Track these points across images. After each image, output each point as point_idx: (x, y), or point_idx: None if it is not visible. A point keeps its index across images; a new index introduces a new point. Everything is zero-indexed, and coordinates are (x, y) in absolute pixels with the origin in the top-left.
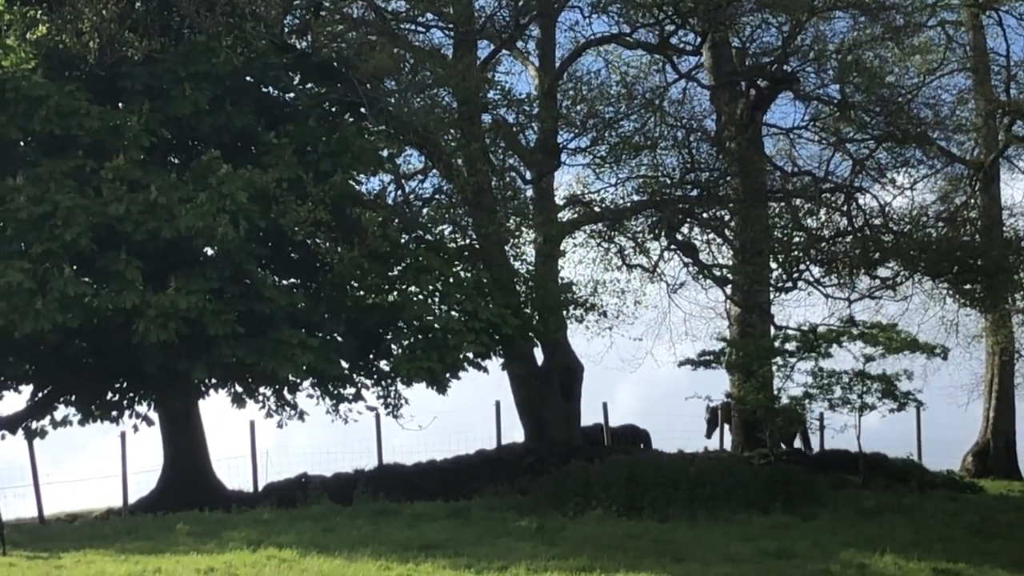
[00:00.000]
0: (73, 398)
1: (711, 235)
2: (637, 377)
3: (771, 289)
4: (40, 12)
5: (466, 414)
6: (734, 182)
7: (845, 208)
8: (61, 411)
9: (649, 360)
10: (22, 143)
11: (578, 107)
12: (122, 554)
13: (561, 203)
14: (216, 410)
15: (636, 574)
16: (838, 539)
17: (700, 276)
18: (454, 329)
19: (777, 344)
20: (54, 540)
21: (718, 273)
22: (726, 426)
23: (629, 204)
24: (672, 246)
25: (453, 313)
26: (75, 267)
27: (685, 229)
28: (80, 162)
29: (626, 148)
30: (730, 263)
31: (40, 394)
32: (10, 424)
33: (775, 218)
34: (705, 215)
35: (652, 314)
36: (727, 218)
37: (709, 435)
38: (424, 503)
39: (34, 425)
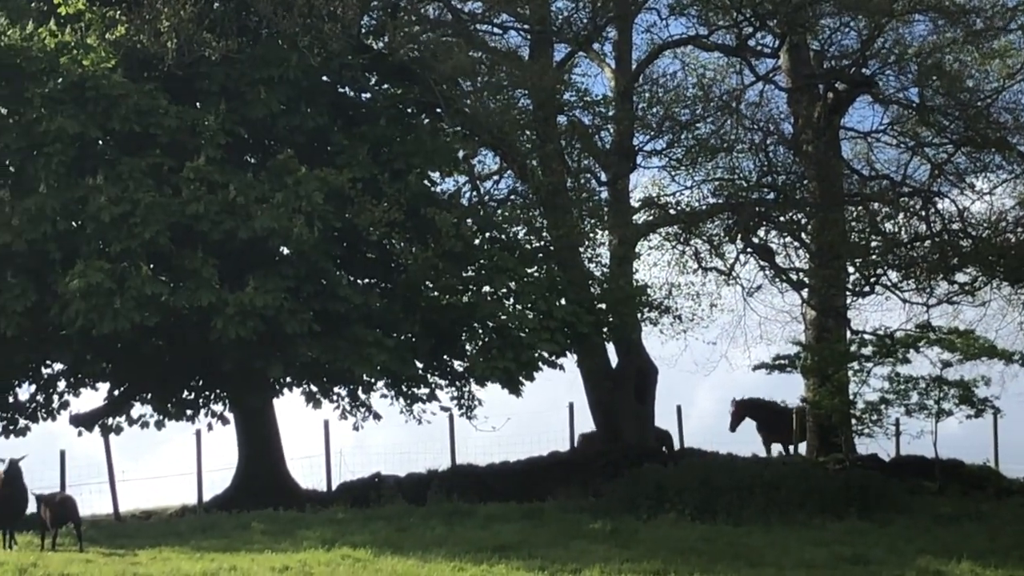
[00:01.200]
0: (149, 396)
1: (788, 239)
2: (712, 381)
3: (848, 293)
4: (119, 12)
5: (539, 416)
6: (811, 185)
7: (923, 213)
8: (137, 409)
9: (723, 364)
10: (101, 141)
11: (654, 109)
12: (197, 552)
13: (636, 205)
14: (291, 410)
15: None
16: (914, 545)
17: (776, 280)
18: (530, 327)
19: (853, 349)
20: (130, 537)
21: (794, 277)
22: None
23: (705, 207)
24: (748, 249)
25: (528, 312)
26: (152, 266)
27: (761, 232)
28: (158, 160)
29: (702, 151)
30: (807, 267)
31: (117, 392)
32: (87, 421)
33: (852, 222)
34: (782, 218)
35: (727, 317)
36: (804, 222)
37: (733, 428)
38: (497, 504)
39: (110, 422)
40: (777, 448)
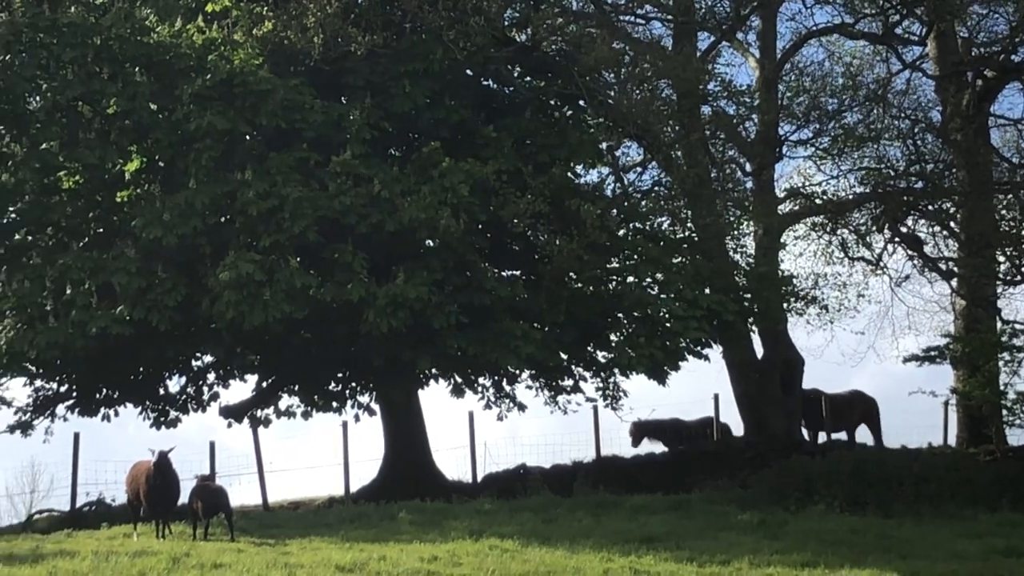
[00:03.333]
0: (297, 388)
1: (936, 228)
2: (869, 371)
3: (998, 283)
4: (266, 8)
5: (684, 407)
6: (960, 174)
7: None
8: (285, 400)
9: (871, 355)
10: (248, 137)
11: (800, 98)
12: (346, 542)
13: (782, 195)
14: (436, 401)
15: (861, 570)
16: None
17: (925, 269)
18: (676, 315)
19: (1004, 339)
20: (279, 527)
21: (943, 266)
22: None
23: (852, 196)
24: (896, 239)
25: (673, 301)
26: (299, 259)
27: (909, 222)
28: (305, 155)
29: (849, 140)
30: (956, 256)
31: (265, 384)
32: (237, 413)
33: (1002, 210)
34: (930, 207)
35: (874, 308)
36: (953, 210)
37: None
38: (644, 496)
39: (259, 414)
40: None
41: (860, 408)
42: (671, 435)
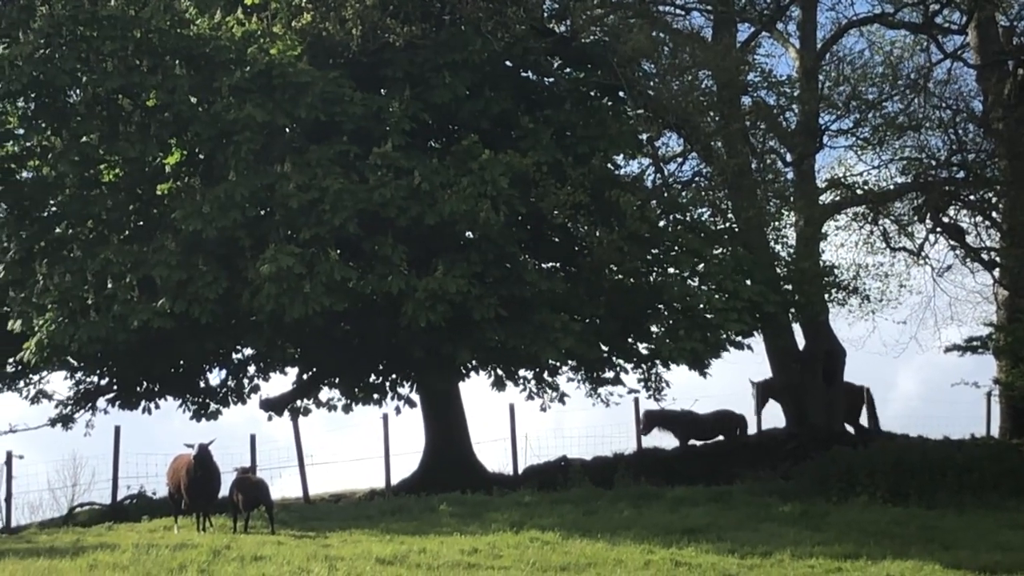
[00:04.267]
0: (337, 380)
1: (978, 218)
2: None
3: None
4: (305, 1)
5: (726, 399)
6: (1002, 163)
7: None
8: (325, 393)
9: (912, 345)
10: (288, 129)
11: (840, 88)
12: (387, 534)
13: (822, 185)
14: (476, 393)
15: (903, 561)
16: None
17: (967, 259)
18: (717, 307)
19: None
20: (320, 519)
21: (986, 257)
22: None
23: (893, 186)
24: (937, 229)
25: (714, 293)
26: (339, 252)
27: (951, 211)
28: (344, 147)
29: (890, 129)
30: (998, 246)
31: (305, 376)
32: (277, 406)
33: None
34: (972, 197)
35: (916, 298)
36: (995, 200)
37: (758, 412)
38: (685, 487)
39: (299, 406)
40: None
41: (847, 399)
42: (683, 427)
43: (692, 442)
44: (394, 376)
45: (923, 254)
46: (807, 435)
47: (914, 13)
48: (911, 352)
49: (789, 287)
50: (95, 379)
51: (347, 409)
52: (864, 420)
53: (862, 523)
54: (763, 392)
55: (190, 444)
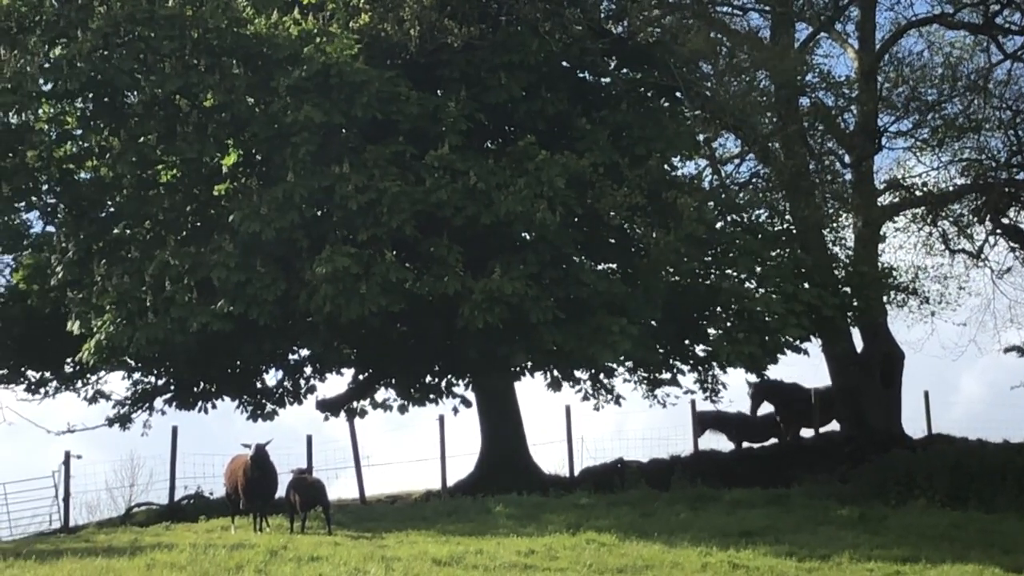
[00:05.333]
0: (393, 381)
1: None
2: (982, 365)
3: None
4: (362, 1)
5: None
6: None
7: None
8: (381, 393)
9: (972, 348)
10: (344, 130)
11: (899, 89)
12: (444, 535)
13: (881, 187)
14: (532, 394)
15: (963, 565)
16: None
17: None
18: (776, 311)
19: None
20: (376, 520)
21: None
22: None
23: (952, 188)
24: (997, 230)
25: (773, 296)
26: (395, 253)
27: (1011, 213)
28: (401, 148)
29: (949, 130)
30: None
31: (361, 377)
32: (333, 406)
33: None
34: None
35: (975, 300)
36: None
37: (754, 412)
38: (742, 490)
39: (355, 407)
40: None
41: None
42: (735, 429)
43: (745, 444)
44: (450, 377)
45: (983, 256)
46: (865, 438)
47: (974, 14)
48: (974, 354)
49: (847, 290)
50: (153, 379)
51: (403, 410)
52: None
53: (921, 527)
54: (759, 393)
55: (247, 444)
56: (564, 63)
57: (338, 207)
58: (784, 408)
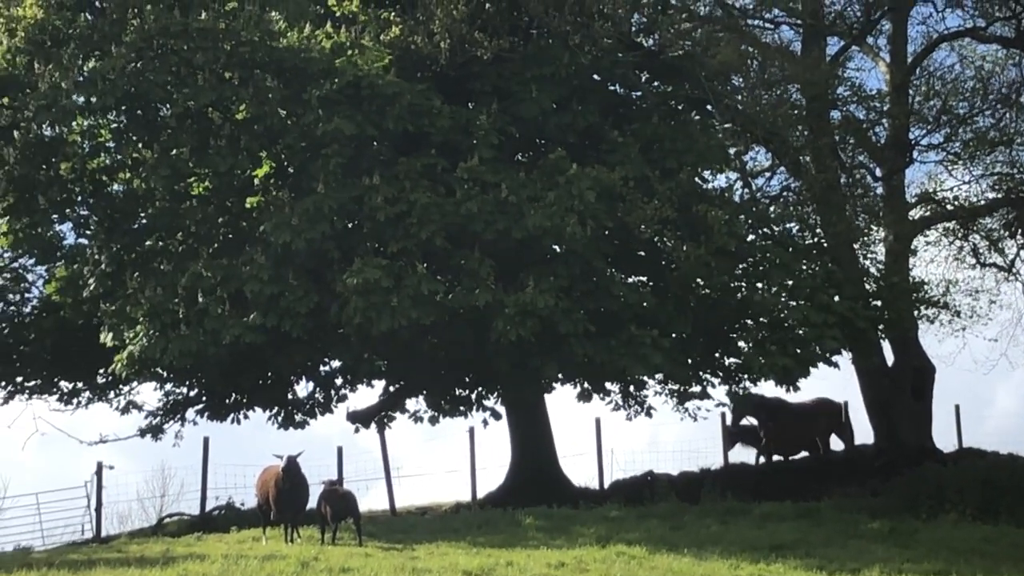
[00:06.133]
0: (424, 393)
1: None
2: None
3: None
4: (393, 14)
5: None
6: None
7: None
8: (411, 405)
9: (1003, 362)
10: (376, 142)
11: (930, 103)
12: (474, 547)
13: (912, 201)
14: (562, 407)
15: None
16: None
17: None
18: (813, 321)
19: None
20: (407, 532)
21: None
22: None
23: (984, 202)
24: None
25: (805, 308)
26: (426, 265)
27: None
28: (432, 160)
29: (981, 144)
30: None
31: (392, 388)
32: (364, 418)
33: None
34: None
35: (1007, 314)
36: None
37: (735, 424)
38: (772, 503)
39: (386, 419)
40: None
41: (825, 418)
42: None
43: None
44: (480, 389)
45: (1014, 270)
46: (896, 452)
47: (1006, 28)
48: (1006, 369)
49: (878, 303)
50: (184, 390)
51: (433, 421)
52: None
53: (952, 541)
54: (733, 437)
55: (279, 455)
56: (595, 76)
57: (368, 219)
58: (768, 424)
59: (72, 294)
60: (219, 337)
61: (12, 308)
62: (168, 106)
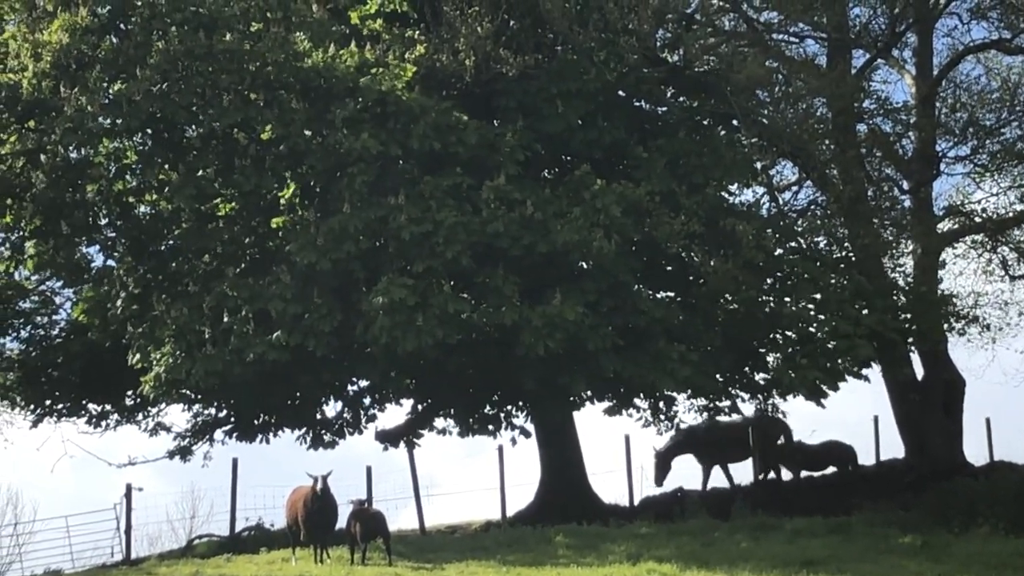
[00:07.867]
0: (452, 411)
1: None
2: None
3: None
4: (418, 32)
5: (843, 429)
6: None
7: None
8: (440, 423)
9: None
10: (401, 161)
11: (957, 115)
12: (503, 566)
13: (940, 213)
14: (592, 424)
15: None
16: None
17: None
18: (842, 335)
19: None
20: (436, 551)
21: None
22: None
23: (1012, 214)
24: None
25: (833, 321)
26: (452, 283)
27: None
28: (458, 179)
29: (1009, 156)
30: None
31: (420, 407)
32: (392, 437)
33: None
34: None
35: None
36: None
37: (658, 481)
38: (803, 519)
39: (414, 439)
40: None
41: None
42: (793, 460)
43: (804, 473)
44: (509, 407)
45: None
46: (927, 466)
47: None
48: None
49: (908, 315)
50: (212, 411)
51: (462, 436)
52: None
53: (984, 555)
54: (663, 459)
55: (312, 475)
56: (620, 92)
57: (394, 238)
58: (702, 454)
59: (99, 316)
60: (243, 356)
61: (40, 331)
62: (193, 128)
